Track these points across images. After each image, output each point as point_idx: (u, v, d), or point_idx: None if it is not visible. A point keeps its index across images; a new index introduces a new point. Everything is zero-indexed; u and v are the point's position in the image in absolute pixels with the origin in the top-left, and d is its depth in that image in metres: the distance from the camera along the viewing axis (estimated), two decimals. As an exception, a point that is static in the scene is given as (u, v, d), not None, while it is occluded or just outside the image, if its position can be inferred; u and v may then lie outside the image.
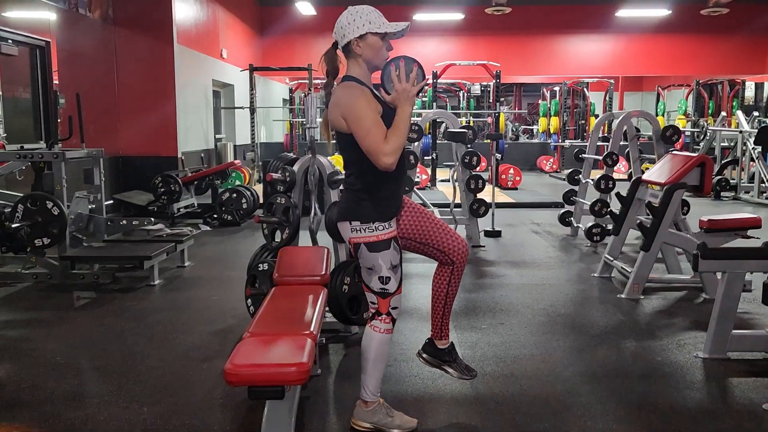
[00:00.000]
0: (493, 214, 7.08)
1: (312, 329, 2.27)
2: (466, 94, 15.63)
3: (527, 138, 21.84)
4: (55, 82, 8.31)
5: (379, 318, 2.47)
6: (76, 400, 2.93)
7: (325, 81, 2.46)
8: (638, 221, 4.85)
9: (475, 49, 14.74)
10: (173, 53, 8.91)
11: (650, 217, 4.70)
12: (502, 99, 12.91)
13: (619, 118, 6.67)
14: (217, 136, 13.09)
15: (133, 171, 8.49)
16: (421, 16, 14.24)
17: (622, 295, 4.63)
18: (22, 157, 4.98)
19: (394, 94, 2.33)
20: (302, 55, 15.17)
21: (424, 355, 2.78)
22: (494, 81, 11.93)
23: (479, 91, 18.39)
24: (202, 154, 10.21)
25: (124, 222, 5.20)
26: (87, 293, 4.76)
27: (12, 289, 4.83)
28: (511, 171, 11.99)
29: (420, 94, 2.50)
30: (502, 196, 10.54)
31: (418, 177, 11.68)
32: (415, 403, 2.88)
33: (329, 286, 3.66)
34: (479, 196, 6.43)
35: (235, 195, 7.89)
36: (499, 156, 12.11)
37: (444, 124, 6.91)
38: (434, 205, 7.43)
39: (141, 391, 3.01)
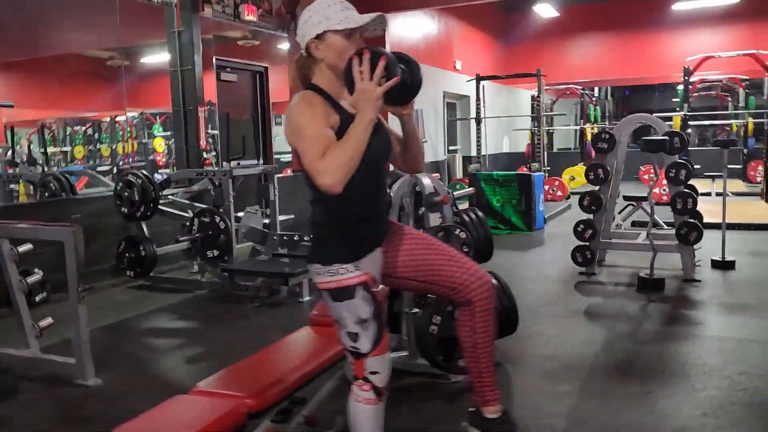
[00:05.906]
0: (723, 240, 5.65)
1: (262, 392, 1.88)
2: (744, 92, 13.12)
3: None
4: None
5: (357, 383, 1.97)
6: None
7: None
8: None
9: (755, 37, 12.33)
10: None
11: None
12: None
13: None
14: (451, 148, 13.09)
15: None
16: (681, 5, 12.37)
17: None
18: (198, 174, 5.43)
19: (354, 96, 1.80)
20: (547, 59, 14.40)
21: (470, 429, 2.20)
22: (769, 73, 9.73)
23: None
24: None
25: (286, 237, 5.32)
26: (242, 305, 4.94)
27: (189, 296, 5.27)
28: (794, 183, 9.63)
29: (411, 100, 1.92)
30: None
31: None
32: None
33: (417, 326, 3.19)
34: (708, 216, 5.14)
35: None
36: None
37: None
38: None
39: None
